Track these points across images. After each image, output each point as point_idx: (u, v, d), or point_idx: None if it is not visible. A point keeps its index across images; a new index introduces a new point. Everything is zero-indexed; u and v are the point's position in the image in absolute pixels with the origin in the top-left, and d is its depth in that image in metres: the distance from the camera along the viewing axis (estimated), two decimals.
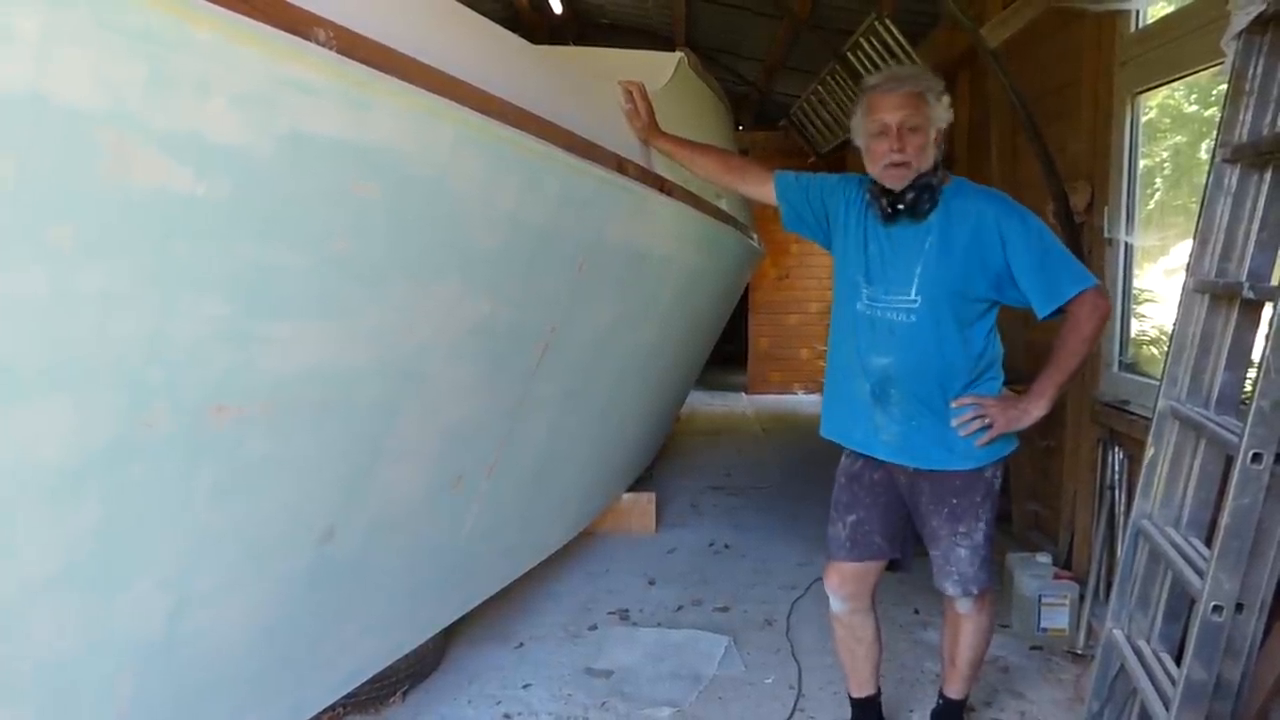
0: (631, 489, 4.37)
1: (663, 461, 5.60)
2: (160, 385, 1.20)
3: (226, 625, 1.53)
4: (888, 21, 4.77)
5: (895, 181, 1.96)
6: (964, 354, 2.00)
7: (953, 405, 2.00)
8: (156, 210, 1.11)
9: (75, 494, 1.16)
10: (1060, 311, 1.94)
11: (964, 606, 2.18)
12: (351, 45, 1.26)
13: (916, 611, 3.25)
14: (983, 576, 2.11)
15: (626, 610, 3.30)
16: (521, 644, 2.99)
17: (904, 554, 2.25)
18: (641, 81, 2.41)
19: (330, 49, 1.22)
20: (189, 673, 1.50)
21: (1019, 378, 3.72)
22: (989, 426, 1.98)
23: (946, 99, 1.99)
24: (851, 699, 2.35)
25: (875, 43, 4.98)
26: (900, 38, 4.76)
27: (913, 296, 1.98)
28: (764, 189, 2.27)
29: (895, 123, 1.94)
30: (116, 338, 1.13)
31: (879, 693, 2.35)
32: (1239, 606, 1.65)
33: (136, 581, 1.30)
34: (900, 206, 1.97)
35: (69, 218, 1.03)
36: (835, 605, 2.23)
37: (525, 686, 2.70)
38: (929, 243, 1.98)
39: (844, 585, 2.20)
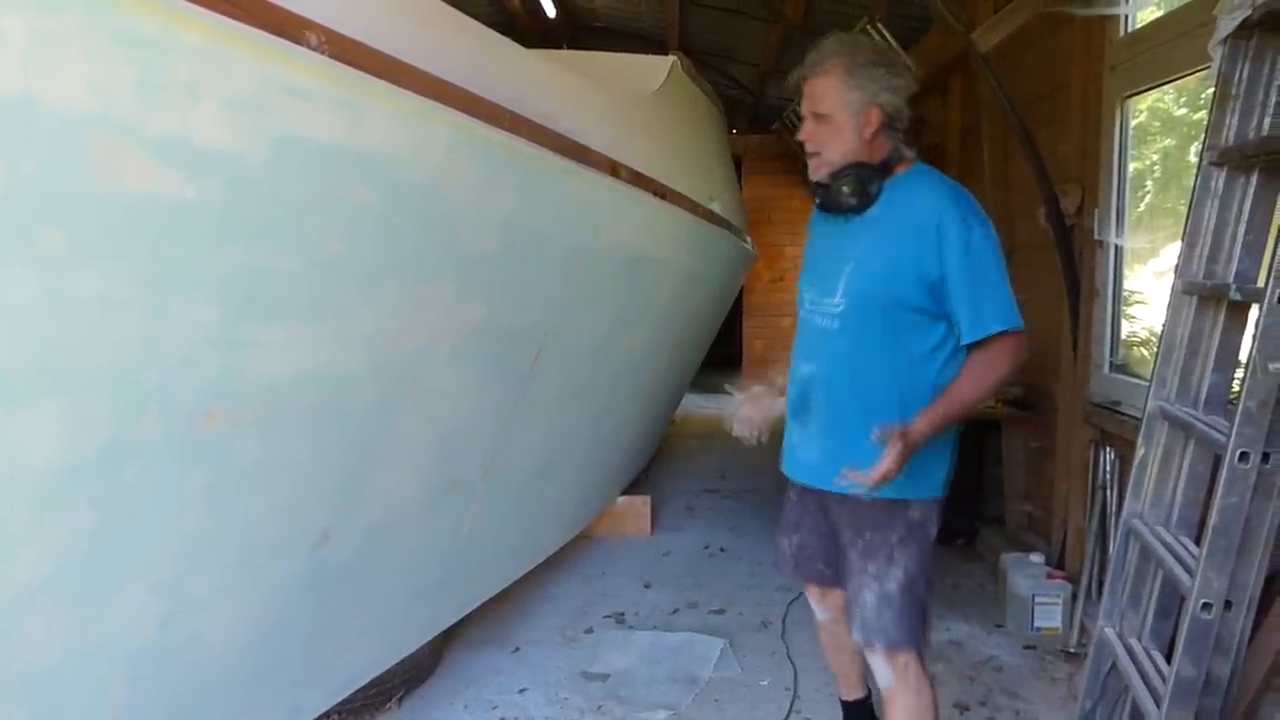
0: (627, 492, 4.37)
1: (658, 464, 5.60)
2: (152, 390, 1.21)
3: (221, 630, 1.53)
4: (880, 25, 4.78)
5: (812, 173, 1.84)
6: (905, 373, 1.77)
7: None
8: (148, 214, 1.12)
9: (68, 498, 1.16)
10: (980, 344, 1.73)
11: (882, 678, 1.85)
12: (343, 49, 1.27)
13: None
14: (893, 634, 1.79)
15: (622, 613, 3.30)
16: (518, 648, 2.99)
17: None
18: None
19: (322, 53, 1.23)
20: (183, 678, 1.50)
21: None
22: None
23: (880, 72, 1.73)
24: (842, 702, 2.35)
25: None
26: (892, 42, 4.78)
27: (836, 300, 1.82)
28: None
29: (806, 111, 1.81)
30: (108, 342, 1.13)
31: (869, 695, 2.34)
32: (1228, 604, 1.66)
33: (129, 586, 1.30)
34: (822, 202, 1.84)
35: (60, 222, 1.03)
36: (818, 614, 2.22)
37: (521, 691, 2.70)
38: (865, 239, 1.80)
39: (823, 599, 2.17)
